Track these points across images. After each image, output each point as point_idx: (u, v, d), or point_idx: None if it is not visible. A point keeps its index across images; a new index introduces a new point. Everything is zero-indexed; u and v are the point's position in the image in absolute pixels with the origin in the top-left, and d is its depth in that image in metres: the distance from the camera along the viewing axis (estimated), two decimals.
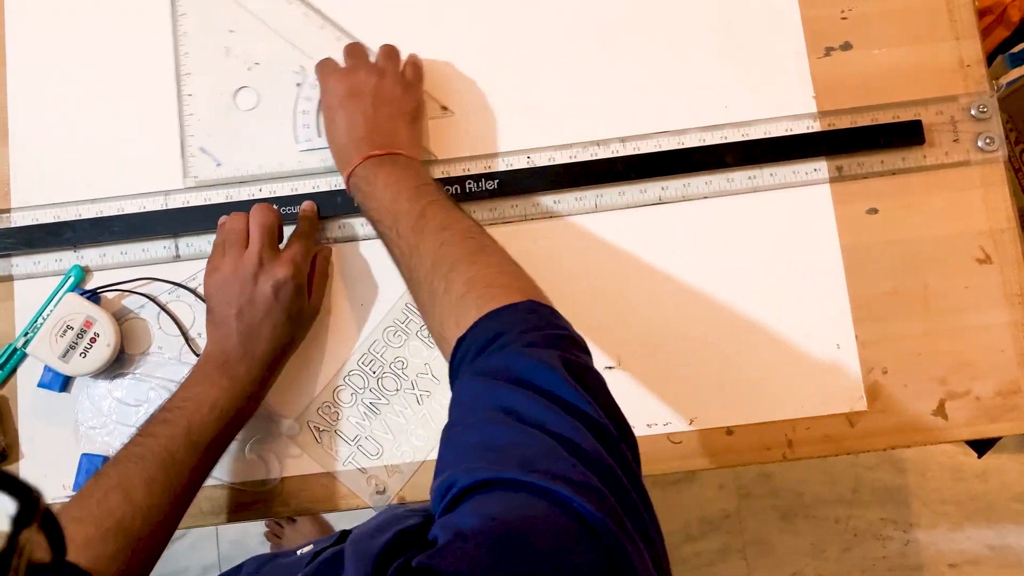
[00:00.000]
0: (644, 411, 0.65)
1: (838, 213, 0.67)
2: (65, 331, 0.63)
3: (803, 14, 0.69)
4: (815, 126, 0.68)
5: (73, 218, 0.68)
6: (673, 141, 0.68)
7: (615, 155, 0.68)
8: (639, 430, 0.65)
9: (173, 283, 0.68)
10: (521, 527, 0.34)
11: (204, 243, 0.68)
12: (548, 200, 0.68)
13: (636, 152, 0.68)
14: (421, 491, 0.66)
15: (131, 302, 0.68)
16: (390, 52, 0.66)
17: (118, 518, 0.52)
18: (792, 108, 0.68)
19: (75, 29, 0.71)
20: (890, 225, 0.67)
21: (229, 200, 0.68)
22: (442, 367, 0.66)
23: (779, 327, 0.66)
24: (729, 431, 0.65)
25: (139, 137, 0.70)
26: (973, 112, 0.67)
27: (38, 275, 0.68)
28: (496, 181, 0.67)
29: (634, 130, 0.68)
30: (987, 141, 0.67)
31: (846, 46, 0.69)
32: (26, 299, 0.68)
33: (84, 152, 0.70)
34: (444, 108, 0.69)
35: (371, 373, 0.67)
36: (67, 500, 0.56)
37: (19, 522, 0.23)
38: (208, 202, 0.68)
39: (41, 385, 0.66)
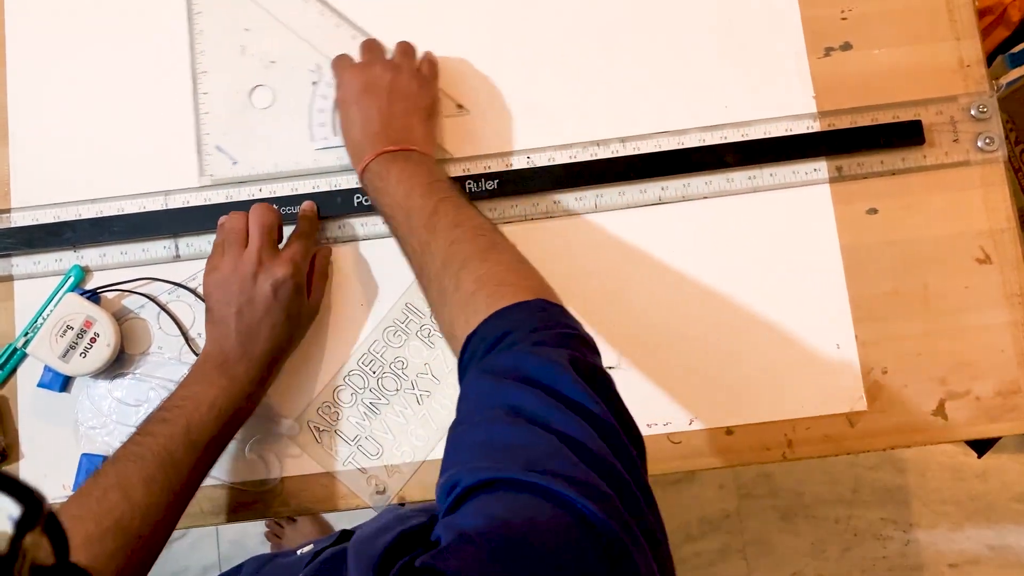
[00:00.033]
0: (644, 411, 0.65)
1: (838, 213, 0.67)
2: (65, 331, 0.63)
3: (803, 14, 0.69)
4: (815, 126, 0.68)
5: (73, 218, 0.68)
6: (673, 141, 0.68)
7: (615, 155, 0.68)
8: None
9: (173, 283, 0.68)
10: (524, 528, 0.34)
11: (204, 243, 0.68)
12: (548, 200, 0.68)
13: (636, 152, 0.68)
14: (421, 491, 0.66)
15: (131, 302, 0.68)
16: (406, 49, 0.67)
17: (117, 516, 0.52)
18: (792, 108, 0.68)
19: (76, 29, 0.71)
20: (890, 225, 0.67)
21: (229, 200, 0.68)
22: (442, 367, 0.66)
23: (779, 327, 0.66)
24: (729, 431, 0.65)
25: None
26: (973, 112, 0.67)
27: (38, 275, 0.68)
28: (496, 181, 0.67)
29: (634, 130, 0.68)
30: (987, 141, 0.67)
31: (846, 46, 0.69)
32: (26, 299, 0.68)
33: (84, 152, 0.70)
34: (460, 106, 0.69)
35: (371, 373, 0.67)
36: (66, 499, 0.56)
37: (23, 526, 0.23)
38: (208, 202, 0.68)
39: (41, 385, 0.66)
